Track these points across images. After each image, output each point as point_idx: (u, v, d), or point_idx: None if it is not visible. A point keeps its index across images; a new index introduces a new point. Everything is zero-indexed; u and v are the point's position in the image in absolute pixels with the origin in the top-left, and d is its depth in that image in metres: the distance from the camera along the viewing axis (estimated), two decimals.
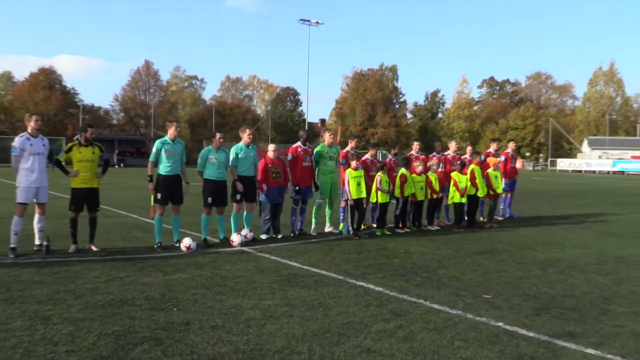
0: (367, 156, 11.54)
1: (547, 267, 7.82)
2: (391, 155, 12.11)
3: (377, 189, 10.81)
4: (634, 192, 26.70)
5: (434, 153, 12.64)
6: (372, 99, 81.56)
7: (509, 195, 14.03)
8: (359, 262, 7.97)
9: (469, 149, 13.06)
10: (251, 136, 9.71)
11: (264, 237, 10.01)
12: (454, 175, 11.78)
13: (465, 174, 11.86)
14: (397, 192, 11.24)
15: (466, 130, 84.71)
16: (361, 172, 10.46)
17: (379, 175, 10.86)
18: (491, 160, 12.75)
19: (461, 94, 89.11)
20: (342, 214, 11.25)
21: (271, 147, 10.15)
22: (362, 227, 11.15)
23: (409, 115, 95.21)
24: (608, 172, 60.83)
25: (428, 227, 11.78)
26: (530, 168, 73.81)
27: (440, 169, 12.28)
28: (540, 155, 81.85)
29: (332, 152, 10.79)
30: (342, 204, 11.19)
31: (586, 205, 17.93)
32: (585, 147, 74.33)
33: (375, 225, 11.51)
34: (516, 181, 14.27)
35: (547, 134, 78.55)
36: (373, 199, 10.92)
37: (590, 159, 67.52)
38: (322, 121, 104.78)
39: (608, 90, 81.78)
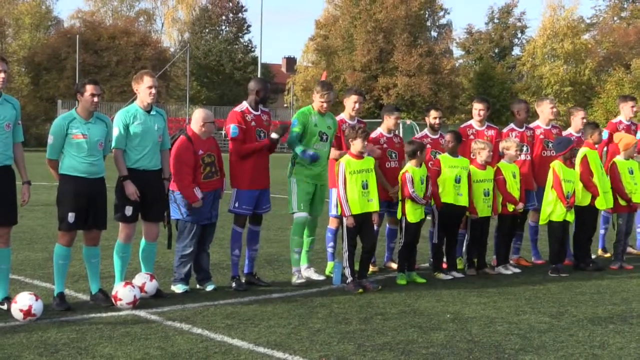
0: (382, 130, 11.53)
1: None
2: (434, 120, 12.00)
3: (405, 196, 10.78)
4: None
5: (512, 125, 12.65)
6: (387, 19, 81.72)
7: None
8: (366, 338, 7.92)
9: (579, 115, 13.00)
10: (155, 90, 9.64)
11: (179, 289, 10.03)
12: (556, 167, 11.70)
13: (572, 165, 11.84)
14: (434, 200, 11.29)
15: (568, 81, 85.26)
16: (370, 162, 10.45)
17: (409, 170, 10.84)
18: (623, 139, 12.71)
19: (557, 11, 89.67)
20: (330, 245, 11.20)
21: (199, 115, 10.16)
22: (371, 269, 11.14)
23: (457, 52, 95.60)
24: None
25: (499, 270, 11.81)
26: None
27: (523, 156, 12.24)
28: None
29: (325, 124, 10.77)
30: (332, 225, 11.09)
31: None
32: None
33: (395, 266, 11.46)
34: None
35: None
36: (399, 215, 10.96)
37: None
38: (290, 62, 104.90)
39: None
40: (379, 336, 7.99)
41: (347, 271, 10.32)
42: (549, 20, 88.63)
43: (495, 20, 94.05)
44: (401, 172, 10.90)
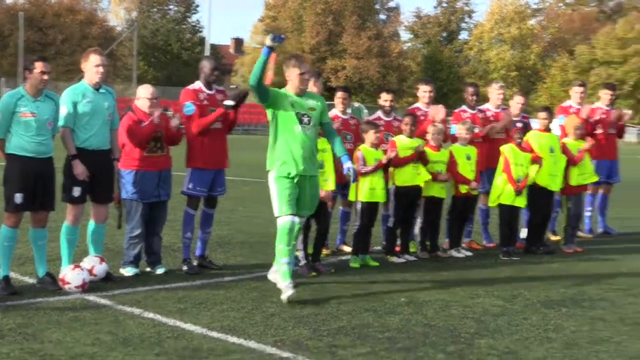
0: (337, 112, 11.57)
1: None
2: (384, 102, 12.02)
3: (360, 174, 10.76)
4: None
5: (463, 106, 12.75)
6: (336, 1, 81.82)
7: (601, 191, 14.20)
8: (321, 322, 7.95)
9: (519, 101, 13.04)
10: (104, 69, 9.53)
11: (128, 272, 9.97)
12: (506, 151, 11.79)
13: (527, 148, 11.94)
14: (390, 182, 11.32)
15: (514, 65, 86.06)
16: (323, 143, 10.33)
17: (361, 150, 10.88)
18: (570, 122, 12.77)
19: None
20: None
21: (144, 90, 10.06)
22: (324, 252, 11.14)
23: (406, 35, 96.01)
24: None
25: (451, 253, 11.91)
26: (634, 139, 74.61)
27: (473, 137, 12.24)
28: None
29: (305, 104, 9.34)
30: None
31: None
32: None
33: (347, 249, 11.51)
34: (617, 166, 14.31)
35: None
36: (352, 197, 10.99)
37: None
38: (238, 43, 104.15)
39: None
40: (334, 320, 8.02)
41: (301, 254, 10.33)
42: (497, 4, 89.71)
43: (444, 4, 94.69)
44: (355, 153, 10.90)
